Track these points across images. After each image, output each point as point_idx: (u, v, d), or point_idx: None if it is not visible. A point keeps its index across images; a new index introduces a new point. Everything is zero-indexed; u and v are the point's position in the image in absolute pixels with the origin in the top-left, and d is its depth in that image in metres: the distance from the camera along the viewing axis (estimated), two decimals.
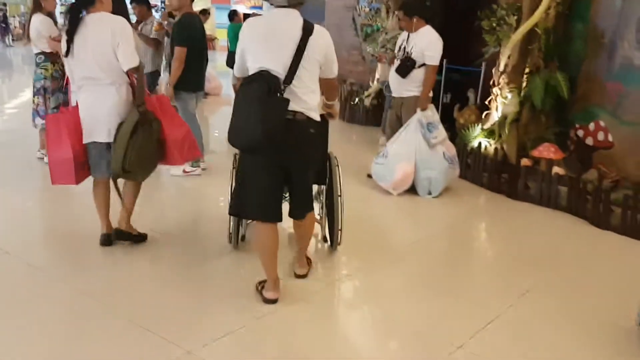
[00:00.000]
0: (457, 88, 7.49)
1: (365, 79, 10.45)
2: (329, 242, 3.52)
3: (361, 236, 3.73)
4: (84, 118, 3.14)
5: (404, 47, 4.75)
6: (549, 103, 4.96)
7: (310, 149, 2.75)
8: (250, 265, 3.05)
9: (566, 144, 5.04)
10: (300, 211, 2.86)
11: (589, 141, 4.77)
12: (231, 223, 3.32)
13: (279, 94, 2.52)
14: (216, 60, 19.50)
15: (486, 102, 5.69)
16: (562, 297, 3.02)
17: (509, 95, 5.20)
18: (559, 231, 4.11)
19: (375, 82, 8.65)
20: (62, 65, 4.88)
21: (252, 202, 2.72)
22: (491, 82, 5.60)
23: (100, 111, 3.09)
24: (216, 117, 9.45)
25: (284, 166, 2.67)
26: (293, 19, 2.62)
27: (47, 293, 2.83)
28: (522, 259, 3.54)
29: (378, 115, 8.32)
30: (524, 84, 5.16)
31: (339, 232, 3.35)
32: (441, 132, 4.71)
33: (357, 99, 8.71)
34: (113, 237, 3.33)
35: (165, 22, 5.70)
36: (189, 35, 4.70)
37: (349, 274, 3.28)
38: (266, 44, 2.61)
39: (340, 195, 3.29)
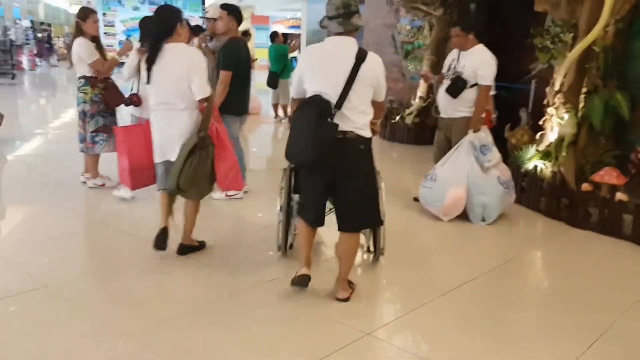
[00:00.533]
0: (504, 106, 7.25)
1: (405, 96, 10.30)
2: (372, 255, 3.63)
3: (407, 269, 3.57)
4: (156, 139, 3.46)
5: (454, 66, 4.57)
6: (608, 124, 4.69)
7: (360, 163, 2.93)
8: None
9: (627, 168, 4.75)
10: (343, 224, 2.99)
11: None
12: (280, 233, 3.55)
13: (329, 119, 2.75)
14: (255, 79, 19.65)
15: (540, 123, 5.44)
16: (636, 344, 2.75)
17: (566, 116, 4.95)
18: (626, 264, 3.82)
19: (417, 99, 8.48)
20: (103, 89, 4.92)
21: (302, 206, 3.13)
22: (545, 102, 5.35)
23: (173, 133, 3.36)
24: (255, 135, 9.42)
25: (334, 179, 2.91)
26: (347, 46, 2.85)
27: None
28: (588, 299, 3.24)
29: (420, 133, 8.15)
30: (581, 104, 4.90)
31: (381, 249, 3.53)
32: (495, 155, 4.50)
33: (397, 117, 8.53)
34: (180, 251, 3.58)
35: (204, 44, 5.67)
36: (235, 59, 4.65)
37: (395, 318, 2.97)
38: (321, 70, 2.86)
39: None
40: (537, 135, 5.46)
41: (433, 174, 4.59)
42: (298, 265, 3.15)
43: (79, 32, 4.87)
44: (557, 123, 5.10)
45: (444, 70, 4.75)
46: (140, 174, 3.75)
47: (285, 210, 3.45)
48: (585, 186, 4.50)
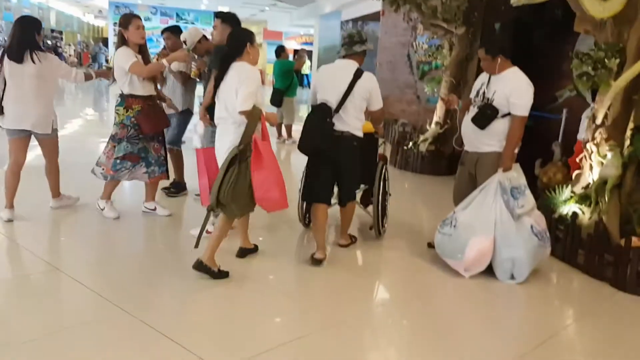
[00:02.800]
0: (531, 137, 6.55)
1: (419, 120, 9.58)
2: (375, 232, 4.48)
3: (421, 344, 2.84)
4: (217, 151, 3.67)
5: (484, 92, 3.87)
6: None
7: (353, 155, 3.89)
8: None
9: None
10: (343, 200, 4.04)
11: None
12: (301, 209, 4.61)
13: (328, 120, 3.75)
14: (264, 95, 19.10)
15: (577, 160, 4.71)
16: None
17: (609, 155, 4.22)
18: None
19: (433, 125, 7.76)
20: (138, 111, 4.32)
21: (310, 190, 4.02)
22: (583, 138, 4.62)
23: (222, 146, 3.55)
24: None
25: (334, 166, 3.85)
26: (349, 66, 3.83)
27: None
28: None
29: (435, 162, 7.43)
30: (628, 142, 4.17)
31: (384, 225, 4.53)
32: (529, 200, 3.77)
33: (410, 143, 7.81)
34: (196, 266, 3.46)
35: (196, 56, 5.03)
36: None
37: None
38: (328, 83, 3.85)
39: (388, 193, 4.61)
40: (573, 175, 4.73)
41: (453, 218, 3.86)
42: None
43: (121, 41, 4.33)
44: (597, 162, 4.37)
45: (472, 95, 4.05)
46: None
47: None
48: (636, 241, 3.75)
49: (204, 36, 5.13)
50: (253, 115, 3.37)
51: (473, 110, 3.90)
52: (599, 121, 4.41)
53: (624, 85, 4.14)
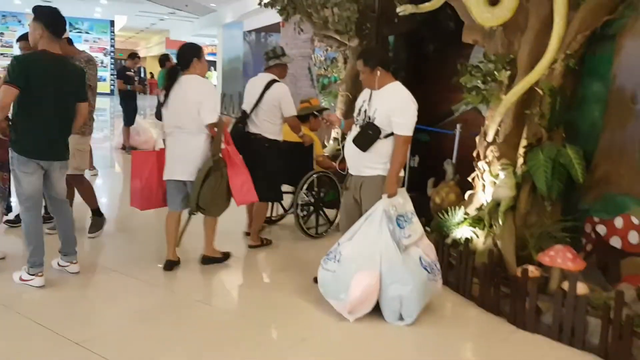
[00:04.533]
0: (427, 150, 6.30)
1: (321, 135, 9.13)
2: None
3: None
4: (168, 159, 3.81)
5: (365, 110, 3.41)
6: (556, 187, 3.68)
7: (264, 155, 4.35)
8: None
9: (579, 242, 3.76)
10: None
11: (616, 242, 3.49)
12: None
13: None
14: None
15: (469, 179, 4.40)
16: None
17: (502, 174, 3.91)
18: None
19: (331, 141, 7.34)
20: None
21: None
22: (475, 153, 4.32)
23: (183, 154, 3.72)
24: None
25: (249, 164, 3.94)
26: (265, 78, 4.49)
27: None
28: None
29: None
30: (521, 160, 3.90)
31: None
32: (416, 228, 3.34)
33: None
34: (200, 261, 4.04)
35: None
36: (26, 75, 3.24)
37: None
38: (248, 93, 4.54)
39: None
40: (466, 195, 4.41)
41: (337, 251, 3.36)
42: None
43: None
44: (490, 182, 4.06)
45: (355, 113, 3.59)
46: (150, 196, 3.99)
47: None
48: (532, 271, 3.43)
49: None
50: (220, 126, 3.70)
51: (355, 130, 3.44)
52: (490, 138, 4.12)
53: (515, 99, 3.86)
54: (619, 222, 3.47)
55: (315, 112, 5.16)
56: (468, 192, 4.40)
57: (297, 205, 4.76)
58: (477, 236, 4.00)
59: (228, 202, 3.90)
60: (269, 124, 4.39)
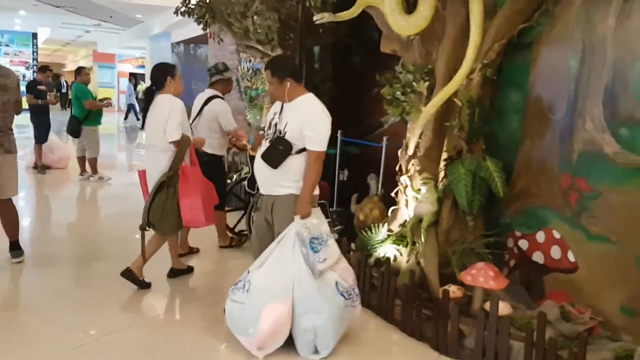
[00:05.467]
0: (356, 164, 6.11)
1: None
2: None
3: None
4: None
5: (276, 124, 3.15)
6: (478, 201, 3.54)
7: (205, 170, 3.99)
8: None
9: (503, 258, 3.64)
10: None
11: (538, 257, 3.38)
12: None
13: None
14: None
15: (392, 194, 4.22)
16: None
17: (423, 189, 3.75)
18: None
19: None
20: None
21: None
22: (398, 167, 4.15)
23: (151, 171, 3.86)
24: (56, 197, 7.33)
25: None
26: (207, 94, 4.71)
27: None
28: None
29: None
30: (443, 174, 3.75)
31: None
32: (332, 251, 3.08)
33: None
34: (125, 274, 3.81)
35: None
36: None
37: None
38: (194, 107, 4.65)
39: None
40: (390, 211, 4.23)
41: (246, 279, 3.04)
42: None
43: None
44: (412, 197, 3.89)
45: (266, 127, 3.31)
46: None
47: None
48: (455, 292, 3.25)
49: None
50: (182, 144, 3.73)
51: (265, 145, 3.16)
52: (410, 151, 3.95)
53: (433, 111, 3.71)
54: (540, 236, 3.36)
55: None
56: (391, 208, 4.22)
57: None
58: (401, 254, 3.81)
59: (181, 223, 3.82)
60: (208, 139, 4.39)
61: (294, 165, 3.07)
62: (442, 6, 3.69)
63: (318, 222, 3.07)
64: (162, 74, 3.85)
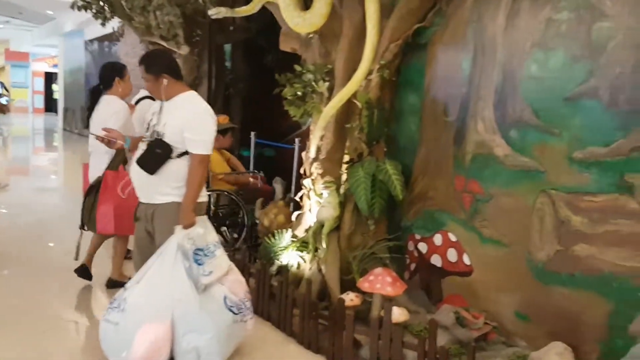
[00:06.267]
0: (272, 166, 5.91)
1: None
2: None
3: None
4: None
5: (154, 124, 2.89)
6: (379, 205, 3.44)
7: None
8: None
9: (404, 262, 3.56)
10: None
11: (436, 261, 3.32)
12: None
13: None
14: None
15: (297, 198, 4.07)
16: None
17: (325, 193, 3.61)
18: None
19: None
20: None
21: None
22: (302, 170, 4.00)
23: (92, 172, 3.83)
24: None
25: None
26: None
27: None
28: None
29: None
30: (344, 177, 3.62)
31: None
32: (220, 263, 2.86)
33: None
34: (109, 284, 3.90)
35: None
36: None
37: None
38: None
39: None
40: (294, 216, 4.06)
41: (122, 298, 2.77)
42: None
43: None
44: (315, 202, 3.74)
45: (144, 129, 3.04)
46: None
47: None
48: (353, 299, 3.12)
49: None
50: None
51: (141, 149, 2.89)
52: (312, 154, 3.80)
53: (333, 112, 3.57)
54: (438, 239, 3.30)
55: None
56: (296, 213, 4.05)
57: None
58: (305, 261, 3.65)
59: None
60: None
61: (176, 170, 2.82)
62: (340, 4, 3.56)
63: (204, 232, 2.84)
64: (110, 73, 3.84)
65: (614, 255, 2.36)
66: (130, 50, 10.35)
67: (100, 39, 13.92)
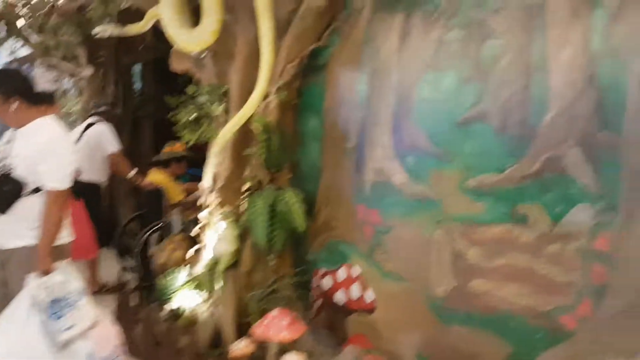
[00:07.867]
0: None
1: None
2: None
3: None
4: None
5: (4, 157, 2.51)
6: (280, 238, 3.15)
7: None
8: None
9: (309, 299, 3.28)
10: None
11: (341, 297, 3.06)
12: None
13: None
14: None
15: (195, 231, 3.73)
16: None
17: (222, 225, 3.30)
18: None
19: None
20: None
21: None
22: (200, 201, 3.68)
23: None
24: None
25: None
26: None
27: None
28: None
29: None
30: (244, 207, 3.33)
31: None
32: (84, 314, 2.49)
33: None
34: None
35: None
36: None
37: None
38: None
39: None
40: (191, 252, 3.72)
41: None
42: None
43: None
44: (213, 234, 3.42)
45: None
46: None
47: None
48: (247, 346, 2.81)
49: None
50: None
51: None
52: (208, 182, 3.50)
53: (229, 137, 3.29)
54: (342, 273, 3.05)
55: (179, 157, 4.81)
56: (194, 247, 3.71)
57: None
58: (200, 303, 3.31)
59: None
60: None
61: (30, 208, 2.45)
62: (234, 20, 3.30)
63: (64, 279, 2.47)
64: None
65: (510, 292, 2.17)
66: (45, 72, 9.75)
67: (21, 60, 13.12)
